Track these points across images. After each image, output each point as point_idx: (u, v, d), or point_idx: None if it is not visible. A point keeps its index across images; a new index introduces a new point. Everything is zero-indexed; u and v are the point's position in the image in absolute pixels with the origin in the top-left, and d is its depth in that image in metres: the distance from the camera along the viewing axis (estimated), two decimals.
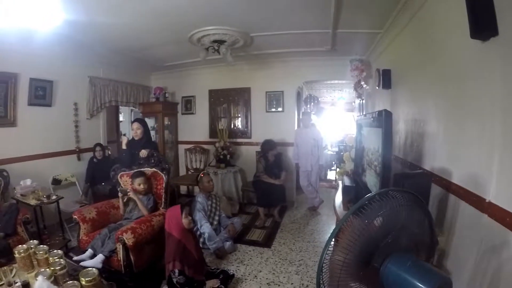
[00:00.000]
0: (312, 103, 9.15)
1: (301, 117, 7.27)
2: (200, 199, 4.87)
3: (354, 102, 9.25)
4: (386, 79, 4.54)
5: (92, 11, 3.96)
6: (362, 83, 5.97)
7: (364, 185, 3.11)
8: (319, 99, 10.12)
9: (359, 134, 3.62)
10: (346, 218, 1.50)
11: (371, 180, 2.88)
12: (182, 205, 3.51)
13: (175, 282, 3.20)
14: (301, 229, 5.62)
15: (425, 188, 2.42)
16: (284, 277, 4.00)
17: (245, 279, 3.95)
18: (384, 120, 2.42)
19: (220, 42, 5.19)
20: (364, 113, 5.91)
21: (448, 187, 2.57)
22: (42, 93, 5.68)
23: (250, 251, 4.77)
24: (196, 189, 7.51)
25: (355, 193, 3.28)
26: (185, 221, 3.41)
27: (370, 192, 2.63)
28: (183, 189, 7.99)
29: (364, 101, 6.55)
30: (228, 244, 4.71)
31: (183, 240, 3.40)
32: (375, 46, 5.44)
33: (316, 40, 5.44)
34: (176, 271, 3.22)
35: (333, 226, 4.82)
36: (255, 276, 4.01)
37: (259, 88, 7.46)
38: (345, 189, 3.44)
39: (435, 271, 1.47)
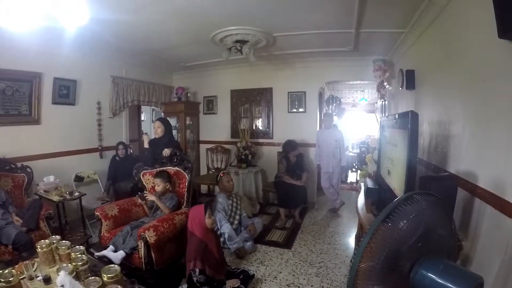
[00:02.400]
0: (334, 104, 9.05)
1: (323, 118, 7.17)
2: (220, 199, 4.84)
3: (376, 103, 9.11)
4: (410, 80, 4.42)
5: (116, 11, 3.96)
6: (385, 83, 5.86)
7: (388, 187, 3.01)
8: (341, 100, 10.01)
9: (383, 135, 3.53)
10: (378, 224, 1.42)
11: (395, 182, 2.79)
12: (205, 205, 3.46)
13: (195, 281, 3.17)
14: (321, 231, 5.53)
15: (451, 191, 2.34)
16: (304, 279, 3.93)
17: (265, 279, 3.91)
18: (411, 121, 2.32)
19: (243, 42, 5.15)
20: (386, 115, 5.82)
21: (474, 190, 2.46)
22: (66, 92, 5.77)
23: (270, 251, 4.72)
24: (217, 188, 7.56)
25: (378, 195, 3.20)
26: (208, 221, 3.38)
27: (394, 194, 2.60)
28: (204, 188, 7.97)
29: (386, 102, 6.42)
30: (248, 244, 4.67)
31: (205, 240, 3.36)
32: (398, 46, 5.30)
33: (338, 40, 5.35)
34: (197, 270, 3.19)
35: (354, 229, 4.80)
36: (275, 277, 3.97)
37: (281, 88, 7.39)
38: (368, 191, 3.36)
39: (467, 272, 1.43)
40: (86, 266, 2.64)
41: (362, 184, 4.09)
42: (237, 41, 5.15)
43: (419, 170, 3.25)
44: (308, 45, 5.76)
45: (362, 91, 11.08)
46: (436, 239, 1.52)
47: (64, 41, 4.81)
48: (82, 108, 6.12)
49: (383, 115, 6.10)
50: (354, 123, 12.94)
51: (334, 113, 8.81)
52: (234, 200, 4.99)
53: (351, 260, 1.51)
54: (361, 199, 3.52)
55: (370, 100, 11.64)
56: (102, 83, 6.48)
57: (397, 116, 2.82)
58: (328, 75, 7.15)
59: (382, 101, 6.60)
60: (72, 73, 5.81)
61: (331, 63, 6.74)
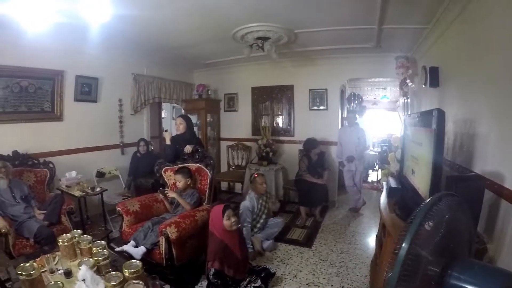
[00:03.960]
0: (355, 102, 8.92)
1: (345, 115, 7.04)
2: (250, 198, 4.76)
3: (398, 101, 8.94)
4: (433, 77, 4.27)
5: (137, 9, 3.95)
6: (408, 81, 5.71)
7: (412, 187, 2.91)
8: (364, 98, 9.86)
9: (406, 134, 3.42)
10: (416, 229, 1.33)
11: (419, 182, 2.68)
12: (224, 206, 3.41)
13: (210, 279, 3.20)
14: (342, 230, 5.43)
15: (478, 192, 2.23)
16: (324, 278, 3.86)
17: (285, 278, 3.86)
18: (437, 119, 2.22)
19: (264, 39, 5.09)
20: (409, 112, 5.69)
21: (500, 192, 2.33)
22: (87, 90, 5.83)
23: (290, 250, 4.67)
24: (237, 186, 7.56)
25: (401, 195, 3.10)
26: (226, 223, 3.32)
27: (418, 194, 2.52)
28: (224, 185, 7.97)
29: (409, 100, 6.27)
30: (268, 243, 4.61)
31: (225, 240, 3.32)
32: (421, 42, 5.14)
33: (360, 37, 5.25)
34: (212, 270, 3.18)
35: (375, 229, 4.68)
36: (295, 276, 3.92)
37: (303, 85, 7.28)
38: (391, 191, 3.27)
39: (500, 269, 1.38)
40: (107, 261, 2.64)
41: (384, 184, 3.97)
42: (258, 38, 5.10)
43: (443, 170, 3.14)
44: (329, 42, 5.66)
45: (384, 89, 10.87)
46: (459, 241, 1.47)
47: (86, 39, 4.88)
48: (103, 105, 6.18)
49: (406, 113, 5.95)
50: (375, 121, 12.71)
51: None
52: (264, 199, 4.91)
53: (387, 273, 1.41)
54: (383, 199, 3.42)
55: (391, 97, 11.44)
56: (124, 81, 6.52)
57: (421, 114, 2.73)
58: (349, 72, 7.03)
59: (404, 99, 6.45)
60: (94, 71, 5.87)
61: (352, 60, 6.61)
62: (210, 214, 3.51)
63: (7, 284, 2.87)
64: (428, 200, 1.40)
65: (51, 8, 3.31)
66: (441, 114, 2.21)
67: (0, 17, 3.87)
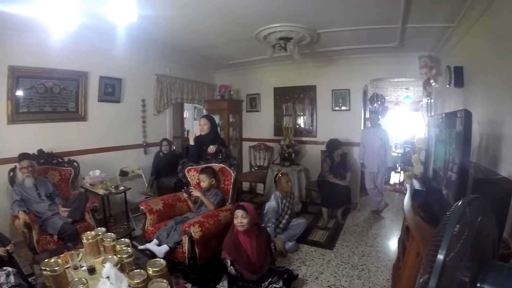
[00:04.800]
0: (378, 102, 8.78)
1: (368, 116, 6.92)
2: (276, 197, 4.73)
3: (421, 101, 8.75)
4: (458, 77, 4.15)
5: (161, 10, 3.98)
6: (431, 81, 5.57)
7: (436, 189, 2.82)
8: (386, 98, 9.71)
9: (431, 135, 3.33)
10: (451, 233, 1.26)
11: (444, 184, 2.59)
12: (238, 205, 3.43)
13: (229, 272, 3.20)
14: (364, 232, 5.34)
15: (505, 196, 2.13)
16: (345, 281, 3.79)
17: (306, 280, 3.81)
18: (464, 120, 2.15)
19: (287, 39, 5.05)
20: (433, 113, 5.57)
21: None
22: (111, 90, 5.91)
23: (312, 251, 4.60)
24: (259, 186, 7.51)
25: (425, 197, 3.04)
26: (234, 221, 3.35)
27: (443, 197, 2.48)
28: (246, 186, 7.93)
29: (432, 100, 6.11)
30: (290, 244, 4.58)
31: (240, 237, 3.33)
32: (445, 41, 4.99)
33: (383, 36, 5.15)
34: (229, 261, 3.19)
35: (397, 232, 4.65)
36: (316, 278, 3.86)
37: (325, 86, 7.20)
38: (415, 193, 3.20)
39: None
40: (131, 258, 2.67)
41: (408, 186, 3.88)
42: (281, 38, 5.06)
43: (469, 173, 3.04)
44: (352, 42, 5.59)
45: (407, 89, 10.69)
46: (486, 246, 1.40)
47: (110, 41, 4.97)
48: (127, 105, 6.24)
49: (429, 114, 5.82)
50: (397, 122, 12.50)
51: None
52: (289, 199, 4.87)
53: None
54: (407, 201, 3.33)
55: (414, 98, 11.24)
56: (147, 81, 6.56)
57: (447, 115, 2.67)
58: (372, 72, 6.89)
59: (428, 99, 6.30)
60: (117, 72, 5.94)
61: (375, 59, 6.49)
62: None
63: (30, 279, 2.92)
64: (458, 204, 1.33)
65: (77, 9, 3.34)
66: (467, 115, 2.16)
67: (28, 19, 3.97)
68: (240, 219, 3.29)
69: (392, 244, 4.78)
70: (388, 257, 4.36)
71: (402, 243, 3.20)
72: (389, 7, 3.95)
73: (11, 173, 4.32)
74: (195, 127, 10.40)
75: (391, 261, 4.02)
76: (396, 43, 5.34)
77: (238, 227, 3.31)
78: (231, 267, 3.17)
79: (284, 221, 4.72)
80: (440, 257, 1.19)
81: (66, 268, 2.51)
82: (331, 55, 6.50)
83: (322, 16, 4.36)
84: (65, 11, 3.23)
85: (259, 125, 8.12)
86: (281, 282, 3.33)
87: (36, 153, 4.62)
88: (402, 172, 9.46)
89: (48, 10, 3.20)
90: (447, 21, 4.29)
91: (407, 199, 3.38)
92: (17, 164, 4.22)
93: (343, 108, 7.06)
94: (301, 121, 7.70)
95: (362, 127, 6.98)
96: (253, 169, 7.83)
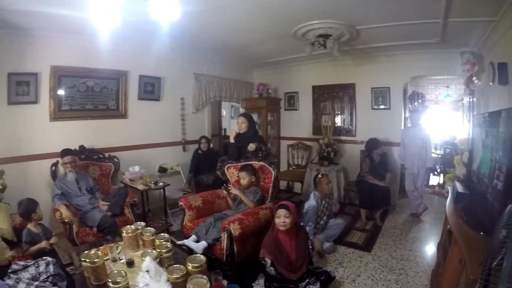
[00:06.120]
0: (419, 101, 8.49)
1: (409, 115, 6.69)
2: (315, 197, 4.65)
3: (462, 100, 8.40)
4: (502, 74, 3.88)
5: (201, 9, 3.96)
6: (474, 78, 5.29)
7: (481, 193, 2.66)
8: (426, 97, 9.40)
9: (475, 135, 3.15)
10: None
11: (489, 192, 2.42)
12: (280, 204, 3.34)
13: (267, 272, 3.12)
14: (402, 236, 5.16)
15: None
16: (383, 284, 3.66)
17: (343, 282, 3.72)
18: (508, 120, 2.00)
19: (326, 36, 4.93)
20: (475, 112, 5.31)
21: None
22: (150, 89, 6.05)
23: (349, 253, 4.50)
24: (296, 185, 7.43)
25: (469, 201, 2.89)
26: (276, 220, 3.26)
27: (488, 201, 2.34)
28: (283, 184, 7.79)
29: (475, 99, 5.81)
30: (328, 244, 4.48)
31: (280, 236, 3.26)
32: (488, 36, 4.69)
33: (424, 32, 4.94)
34: (269, 261, 3.09)
35: (436, 236, 4.45)
36: (353, 280, 3.76)
37: (364, 84, 7.01)
38: (458, 196, 3.06)
39: None
40: (170, 253, 2.67)
41: (450, 188, 3.69)
42: (319, 36, 4.94)
43: None
44: (392, 38, 5.41)
45: (447, 87, 10.27)
46: None
47: (149, 40, 5.08)
48: (166, 103, 6.36)
49: (472, 113, 5.55)
50: (437, 122, 12.05)
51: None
52: (327, 200, 4.78)
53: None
54: (450, 205, 3.17)
55: (455, 96, 10.81)
56: (185, 80, 6.65)
57: (490, 115, 2.53)
58: (413, 70, 6.62)
59: (470, 98, 6.01)
60: (157, 71, 6.06)
61: (416, 56, 6.25)
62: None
63: (68, 268, 3.06)
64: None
65: (120, 8, 3.37)
66: None
67: (70, 20, 4.08)
68: (283, 218, 3.21)
69: (431, 249, 4.59)
70: (427, 262, 4.19)
71: (442, 248, 3.08)
72: (430, 1, 3.79)
73: (53, 168, 4.43)
74: (232, 126, 10.52)
75: (430, 267, 3.87)
76: (438, 38, 5.12)
77: (280, 226, 3.23)
78: (271, 268, 3.09)
79: (322, 221, 4.63)
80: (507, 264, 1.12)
81: (105, 260, 2.53)
82: (370, 52, 6.34)
83: (361, 12, 4.23)
84: (108, 11, 3.26)
85: (297, 123, 8.01)
86: (318, 283, 3.23)
87: (77, 149, 4.74)
88: (441, 174, 9.10)
89: (91, 10, 3.25)
90: (490, 15, 4.05)
91: (449, 202, 3.24)
92: (59, 159, 4.33)
93: (383, 106, 6.83)
94: (340, 120, 7.52)
95: (402, 127, 6.75)
96: (291, 168, 7.75)
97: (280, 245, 3.21)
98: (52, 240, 3.13)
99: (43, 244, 3.01)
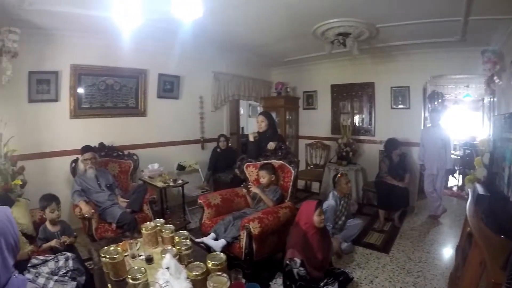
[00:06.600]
0: (439, 100, 8.34)
1: (429, 114, 6.56)
2: (334, 197, 4.60)
3: (483, 99, 8.20)
4: None
5: (221, 7, 3.96)
6: (495, 77, 5.14)
7: (503, 195, 2.62)
8: (445, 96, 9.22)
9: (496, 137, 3.06)
10: None
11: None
12: (318, 202, 3.29)
13: (295, 273, 3.00)
14: (421, 237, 5.08)
15: None
16: (400, 287, 3.64)
17: (361, 283, 3.71)
18: None
19: (345, 35, 4.90)
20: (496, 113, 5.18)
21: None
22: (169, 87, 6.11)
23: (367, 254, 4.47)
24: (314, 185, 7.38)
25: (489, 203, 2.81)
26: (316, 219, 3.18)
27: (511, 203, 2.34)
28: (300, 184, 7.67)
29: (496, 98, 5.65)
30: (346, 245, 4.45)
31: (308, 234, 3.19)
32: (509, 35, 4.57)
33: (444, 30, 4.85)
34: (298, 261, 3.02)
35: (455, 239, 4.32)
36: (371, 282, 3.74)
37: (384, 83, 6.91)
38: (479, 198, 2.98)
39: None
40: (189, 251, 2.64)
41: (470, 190, 3.60)
42: (339, 34, 4.90)
43: None
44: (411, 36, 5.32)
45: (467, 86, 10.06)
46: None
47: (168, 39, 5.13)
48: (185, 102, 6.40)
49: (492, 113, 5.41)
50: (456, 122, 11.80)
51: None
52: (346, 200, 4.72)
53: None
54: (471, 207, 3.10)
55: (475, 96, 10.58)
56: (204, 78, 6.68)
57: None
58: (433, 69, 6.48)
59: (491, 98, 5.86)
60: (176, 69, 6.09)
61: (435, 55, 6.13)
62: (301, 206, 3.40)
63: (86, 263, 3.08)
64: None
65: (141, 7, 3.38)
66: None
67: (90, 20, 4.14)
68: (322, 215, 3.21)
69: (450, 252, 4.51)
70: (445, 265, 4.11)
71: (461, 251, 3.01)
72: None
73: (73, 165, 4.46)
74: (250, 124, 10.52)
75: (448, 270, 3.78)
76: (458, 37, 5.01)
77: (321, 224, 3.22)
78: (301, 268, 3.02)
79: (340, 221, 4.58)
80: None
81: (125, 256, 2.53)
82: (390, 50, 6.25)
83: (381, 10, 4.17)
84: (129, 10, 3.28)
85: (315, 122, 7.96)
86: (336, 284, 3.18)
87: (97, 146, 4.78)
88: (460, 175, 8.93)
89: (113, 9, 3.26)
90: (510, 13, 3.96)
91: (469, 204, 3.18)
92: (79, 156, 4.38)
93: (402, 106, 6.72)
94: (358, 119, 7.44)
95: (422, 127, 6.62)
96: (309, 167, 7.70)
97: (309, 245, 3.17)
98: (63, 239, 3.12)
99: (53, 243, 3.03)
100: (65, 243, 3.10)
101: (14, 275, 1.41)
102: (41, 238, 3.10)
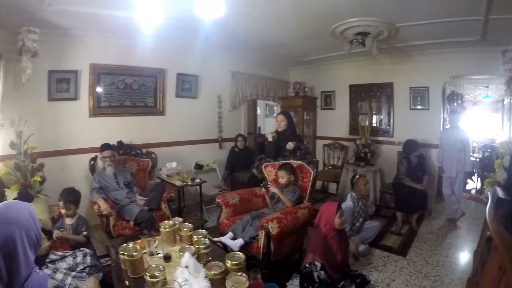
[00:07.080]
0: (458, 101, 8.18)
1: (448, 115, 6.44)
2: (352, 198, 4.56)
3: (503, 100, 8.01)
4: None
5: (241, 8, 3.97)
6: None
7: None
8: (464, 97, 9.03)
9: None
10: None
11: None
12: (339, 204, 3.27)
13: (315, 276, 2.95)
14: (438, 241, 4.97)
15: None
16: None
17: (377, 286, 3.66)
18: None
19: (364, 34, 4.84)
20: None
21: None
22: (188, 86, 6.15)
23: (384, 257, 4.41)
24: (331, 186, 7.35)
25: (509, 207, 2.74)
26: (337, 221, 3.15)
27: None
28: (318, 184, 7.52)
29: None
30: (363, 247, 4.40)
31: (328, 237, 3.16)
32: None
33: (464, 29, 4.75)
34: (319, 265, 2.97)
35: (473, 244, 4.21)
36: (388, 285, 3.69)
37: (403, 83, 6.80)
38: (499, 202, 2.92)
39: None
40: (208, 250, 2.64)
41: (490, 194, 3.51)
42: (358, 34, 4.85)
43: None
44: (431, 36, 5.24)
45: (486, 87, 9.83)
46: None
47: (186, 39, 5.20)
48: (203, 101, 6.43)
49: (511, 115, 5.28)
50: (475, 124, 11.54)
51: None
52: (364, 201, 4.66)
53: None
54: (491, 210, 3.04)
55: (494, 97, 10.35)
56: (222, 78, 6.69)
57: None
58: (452, 69, 6.36)
59: (511, 99, 5.71)
60: (194, 69, 6.14)
61: (455, 55, 6.00)
62: (321, 208, 3.35)
63: (103, 260, 3.15)
64: None
65: (162, 6, 3.38)
66: None
67: (110, 20, 4.16)
68: (342, 217, 3.19)
69: (468, 256, 4.41)
70: (463, 270, 4.03)
71: (480, 256, 2.93)
72: None
73: (92, 162, 4.51)
74: (267, 124, 10.52)
75: (466, 274, 3.69)
76: (478, 36, 4.90)
77: (342, 225, 3.20)
78: (321, 271, 2.98)
79: (357, 223, 4.51)
80: None
81: (143, 253, 2.54)
82: (409, 50, 6.16)
83: (401, 9, 4.11)
84: (152, 9, 3.29)
85: (333, 123, 7.88)
86: (353, 286, 3.14)
87: (116, 144, 4.81)
88: (479, 178, 8.72)
89: (134, 9, 3.28)
90: None
91: (489, 208, 3.11)
92: (98, 153, 4.42)
93: (421, 107, 6.62)
94: (377, 120, 7.35)
95: (441, 128, 6.50)
96: (326, 168, 7.64)
97: (329, 247, 3.14)
98: (55, 234, 3.02)
99: (54, 234, 3.01)
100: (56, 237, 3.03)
101: (35, 271, 1.41)
102: (55, 227, 3.16)
